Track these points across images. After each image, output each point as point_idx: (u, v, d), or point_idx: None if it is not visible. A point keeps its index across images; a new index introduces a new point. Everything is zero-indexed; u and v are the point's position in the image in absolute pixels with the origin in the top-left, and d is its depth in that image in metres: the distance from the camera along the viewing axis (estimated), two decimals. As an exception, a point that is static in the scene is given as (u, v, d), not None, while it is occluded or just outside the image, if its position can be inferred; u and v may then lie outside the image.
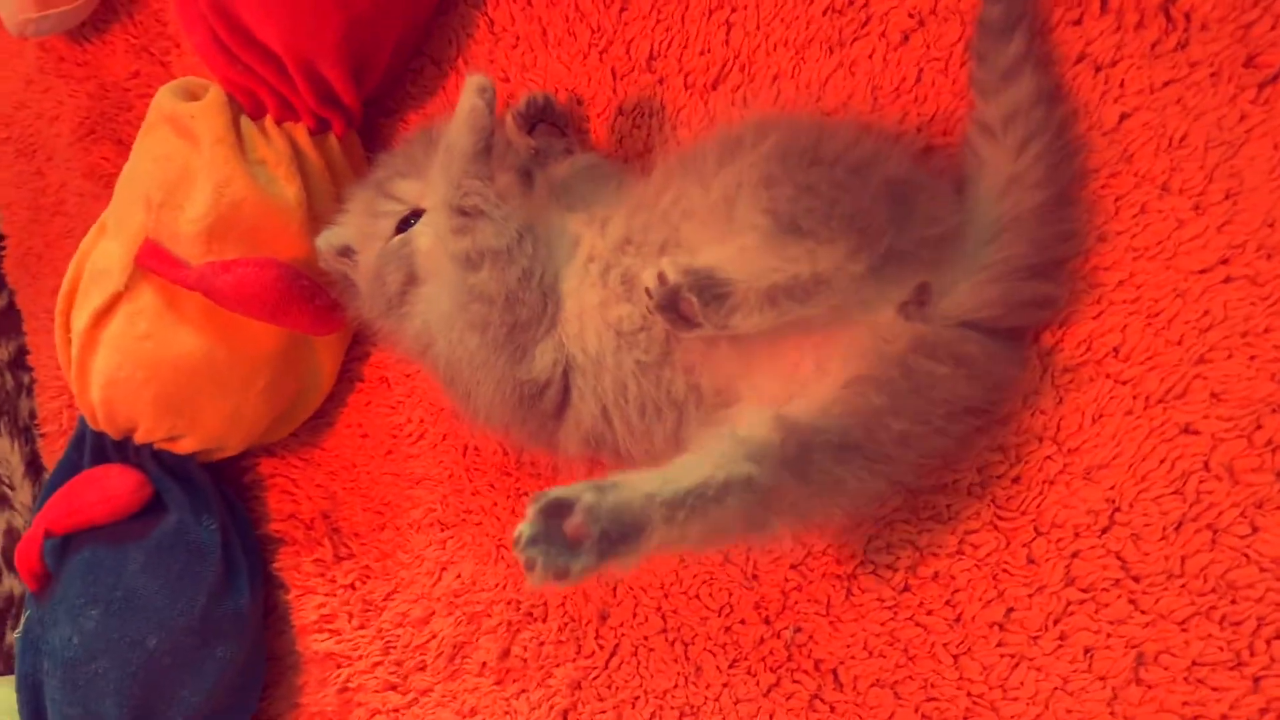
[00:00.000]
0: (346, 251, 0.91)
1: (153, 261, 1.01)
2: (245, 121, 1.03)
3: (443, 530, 1.05)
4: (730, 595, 0.89)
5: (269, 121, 1.03)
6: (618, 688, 0.94)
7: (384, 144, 1.10)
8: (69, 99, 1.38)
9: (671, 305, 0.70)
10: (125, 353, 1.03)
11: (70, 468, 1.13)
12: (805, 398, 0.70)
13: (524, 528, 0.61)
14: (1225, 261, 0.70)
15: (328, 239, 0.92)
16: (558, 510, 0.62)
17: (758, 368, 0.74)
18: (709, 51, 0.90)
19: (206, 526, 1.10)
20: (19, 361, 1.51)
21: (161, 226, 1.01)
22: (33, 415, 1.49)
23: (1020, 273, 0.72)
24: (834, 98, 0.85)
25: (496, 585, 1.01)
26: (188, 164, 1.00)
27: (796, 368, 0.73)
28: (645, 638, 0.93)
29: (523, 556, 0.61)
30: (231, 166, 0.99)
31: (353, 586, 1.11)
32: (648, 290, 0.71)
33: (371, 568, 1.10)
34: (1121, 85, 0.73)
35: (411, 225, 0.86)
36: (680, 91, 0.92)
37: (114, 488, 1.08)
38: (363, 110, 1.06)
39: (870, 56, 0.83)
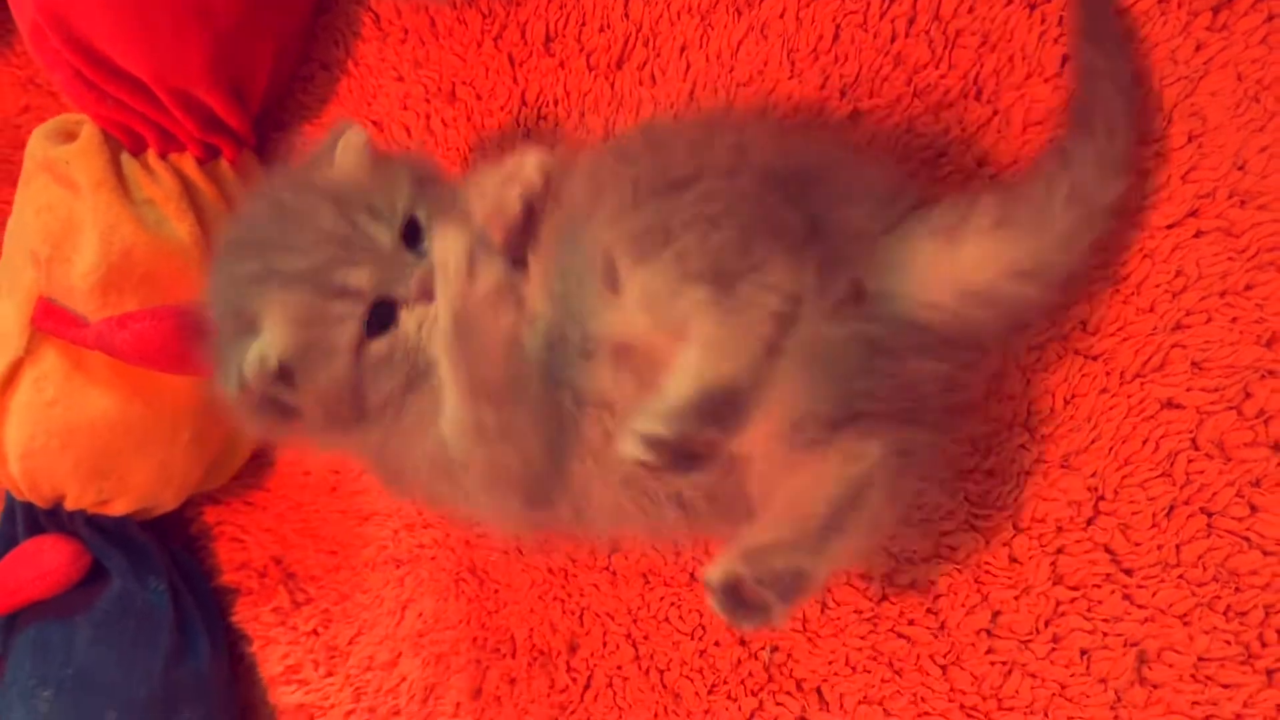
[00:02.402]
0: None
1: (49, 322, 0.94)
2: (127, 159, 0.95)
3: (398, 567, 0.99)
4: (701, 617, 0.83)
5: (152, 156, 0.95)
6: (597, 720, 0.88)
7: (281, 159, 1.02)
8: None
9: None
10: (37, 421, 0.96)
11: (4, 542, 1.06)
12: None
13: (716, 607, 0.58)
14: (1194, 214, 0.62)
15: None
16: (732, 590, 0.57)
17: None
18: (609, 27, 0.82)
19: (154, 589, 1.04)
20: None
21: (53, 282, 0.93)
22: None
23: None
24: (747, 66, 0.76)
25: (460, 621, 0.95)
26: (72, 213, 0.92)
27: None
28: (618, 667, 0.87)
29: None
30: (116, 211, 0.91)
31: (315, 633, 1.05)
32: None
33: (331, 611, 1.04)
34: (1060, 23, 0.65)
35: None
36: (584, 74, 0.83)
37: (50, 562, 1.02)
38: (254, 128, 0.98)
39: (781, 16, 0.75)
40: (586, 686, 0.88)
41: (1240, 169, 0.61)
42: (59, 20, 0.88)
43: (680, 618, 0.84)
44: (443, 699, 0.96)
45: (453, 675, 0.95)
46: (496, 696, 0.93)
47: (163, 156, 0.95)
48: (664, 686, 0.84)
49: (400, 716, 0.99)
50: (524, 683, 0.91)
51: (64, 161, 0.93)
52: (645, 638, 0.85)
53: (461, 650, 0.95)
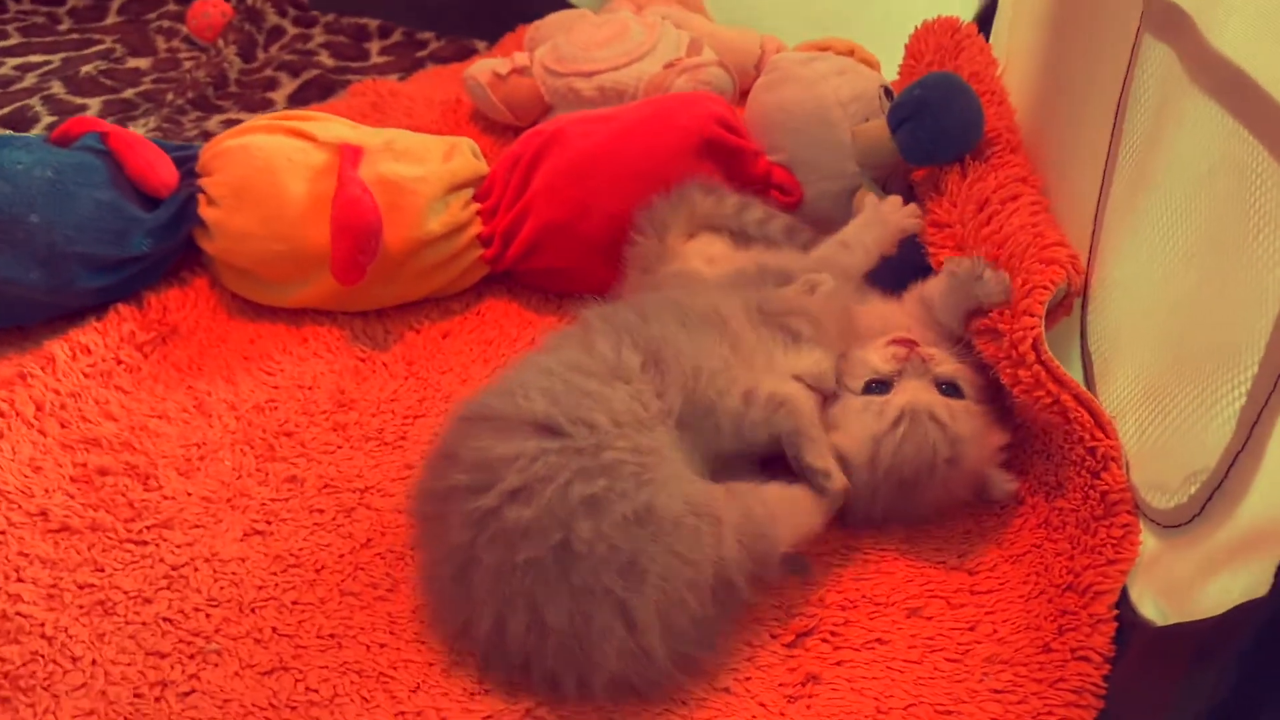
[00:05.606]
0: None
1: (349, 153, 1.36)
2: (466, 192, 1.42)
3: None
4: None
5: (476, 203, 1.41)
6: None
7: (488, 306, 1.43)
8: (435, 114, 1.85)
9: None
10: (274, 152, 1.36)
11: (166, 147, 1.42)
12: None
13: None
14: None
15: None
16: None
17: None
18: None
19: (144, 236, 1.33)
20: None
21: (377, 154, 1.38)
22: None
23: None
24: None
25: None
26: (427, 156, 1.40)
27: None
28: None
29: None
30: (437, 178, 1.38)
31: (125, 392, 1.27)
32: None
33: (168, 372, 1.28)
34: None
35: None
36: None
37: (161, 167, 1.36)
38: (507, 266, 1.41)
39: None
40: None
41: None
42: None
43: None
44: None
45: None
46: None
47: (479, 211, 1.41)
48: None
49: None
50: None
51: (464, 150, 1.43)
52: None
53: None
